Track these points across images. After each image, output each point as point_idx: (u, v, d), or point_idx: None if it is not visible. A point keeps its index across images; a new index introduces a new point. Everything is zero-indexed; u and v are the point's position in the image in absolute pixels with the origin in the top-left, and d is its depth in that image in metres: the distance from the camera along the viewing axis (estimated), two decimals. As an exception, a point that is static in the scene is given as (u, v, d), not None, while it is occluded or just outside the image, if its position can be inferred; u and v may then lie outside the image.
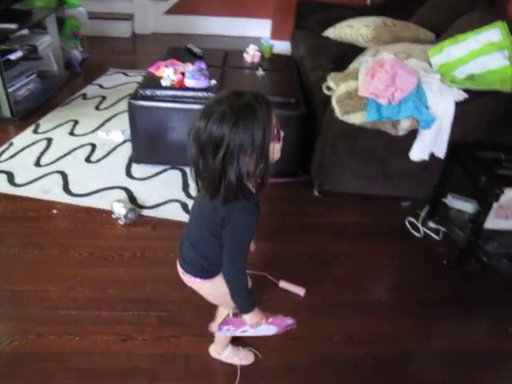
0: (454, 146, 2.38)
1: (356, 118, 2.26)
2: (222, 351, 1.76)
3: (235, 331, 1.47)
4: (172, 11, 5.30)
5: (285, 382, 1.74)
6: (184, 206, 2.54)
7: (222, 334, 1.56)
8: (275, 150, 1.16)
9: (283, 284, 2.10)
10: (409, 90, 2.20)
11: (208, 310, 1.91)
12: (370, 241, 2.45)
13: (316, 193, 2.71)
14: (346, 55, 3.09)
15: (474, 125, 2.44)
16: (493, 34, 2.47)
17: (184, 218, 2.43)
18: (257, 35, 4.48)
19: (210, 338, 1.80)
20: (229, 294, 1.34)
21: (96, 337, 1.80)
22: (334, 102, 2.31)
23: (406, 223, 2.60)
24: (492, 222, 2.14)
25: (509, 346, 1.99)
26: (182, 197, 2.62)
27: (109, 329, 1.84)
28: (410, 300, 2.13)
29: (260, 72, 3.02)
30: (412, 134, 2.35)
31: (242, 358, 1.77)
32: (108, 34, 5.19)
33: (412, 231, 2.55)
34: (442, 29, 3.08)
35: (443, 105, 2.30)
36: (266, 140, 1.10)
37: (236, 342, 1.77)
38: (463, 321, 2.08)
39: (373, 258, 2.34)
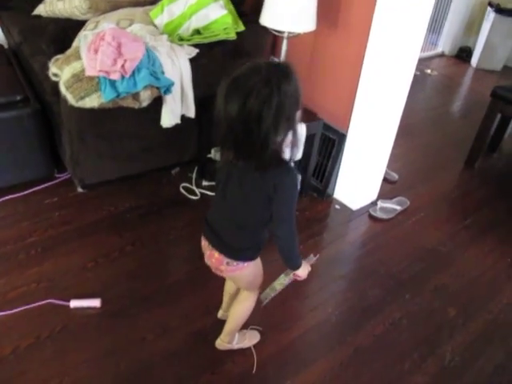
0: (200, 102, 2.39)
1: (93, 101, 2.06)
2: (232, 340, 1.73)
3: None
4: None
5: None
6: None
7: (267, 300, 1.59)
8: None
9: (75, 303, 1.86)
10: (138, 58, 2.08)
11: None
12: (152, 220, 2.35)
13: (80, 189, 2.45)
14: (66, 33, 2.76)
15: (211, 76, 2.47)
16: (204, -15, 2.49)
17: None
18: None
19: None
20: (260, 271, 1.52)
21: None
22: (63, 90, 2.06)
23: (181, 190, 2.57)
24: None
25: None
26: None
27: None
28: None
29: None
30: (159, 102, 2.27)
31: (250, 339, 1.78)
32: None
33: (189, 196, 2.54)
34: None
35: (178, 65, 2.26)
36: (298, 108, 1.14)
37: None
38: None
39: (160, 237, 2.25)
